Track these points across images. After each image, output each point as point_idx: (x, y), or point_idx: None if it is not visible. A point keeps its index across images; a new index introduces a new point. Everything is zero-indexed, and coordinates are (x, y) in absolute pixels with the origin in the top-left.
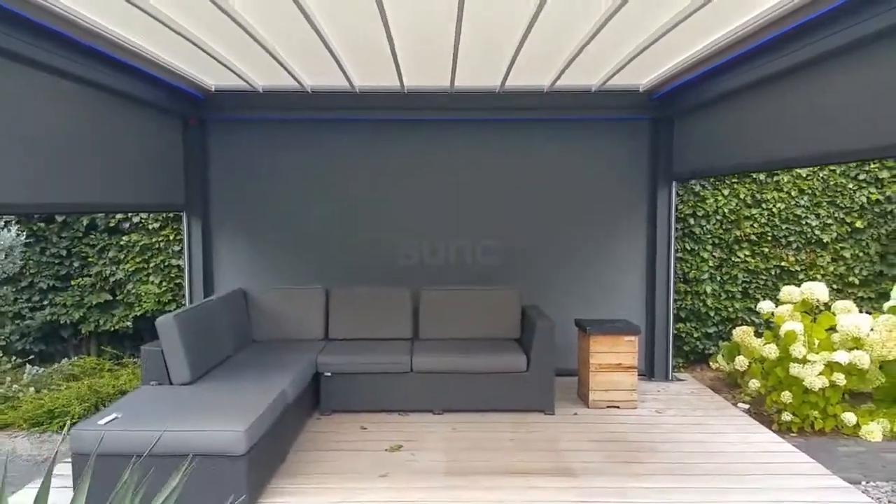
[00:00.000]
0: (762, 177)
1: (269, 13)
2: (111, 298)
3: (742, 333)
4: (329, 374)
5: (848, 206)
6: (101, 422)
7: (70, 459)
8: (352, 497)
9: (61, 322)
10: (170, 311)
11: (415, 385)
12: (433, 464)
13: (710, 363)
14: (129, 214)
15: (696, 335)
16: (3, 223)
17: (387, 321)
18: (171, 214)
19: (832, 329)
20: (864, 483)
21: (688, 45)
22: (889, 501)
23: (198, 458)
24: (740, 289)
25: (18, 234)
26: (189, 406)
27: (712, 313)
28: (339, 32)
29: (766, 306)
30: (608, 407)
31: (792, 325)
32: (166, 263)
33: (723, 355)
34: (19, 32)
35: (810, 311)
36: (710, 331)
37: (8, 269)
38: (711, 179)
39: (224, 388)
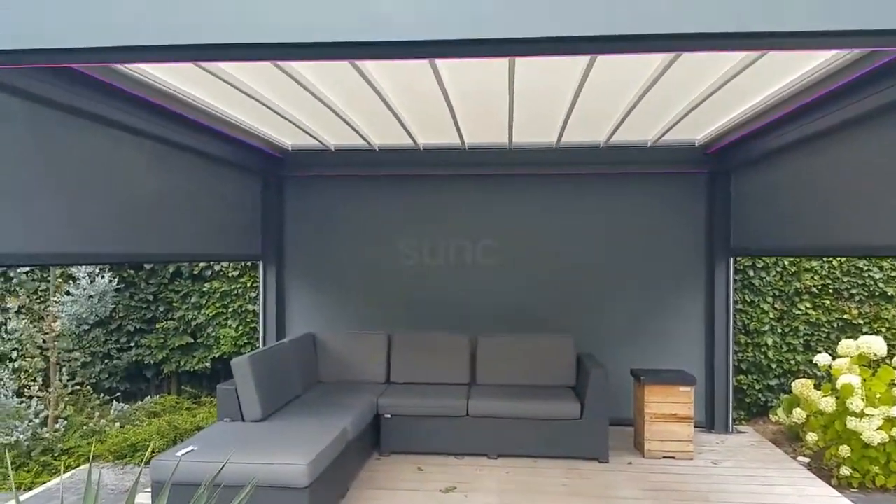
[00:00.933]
0: None
1: (341, 84)
2: (192, 341)
3: (801, 386)
4: (389, 416)
5: None
6: (178, 454)
7: (150, 489)
8: None
9: (146, 362)
10: (245, 353)
11: (470, 429)
12: None
13: (771, 416)
14: (212, 263)
15: (757, 387)
16: (98, 270)
17: (445, 366)
18: (249, 263)
19: (893, 384)
20: None
21: (737, 104)
22: None
23: (263, 489)
24: (802, 341)
25: (111, 282)
26: (258, 440)
27: (774, 365)
28: (403, 101)
29: (822, 359)
30: (664, 457)
31: (849, 377)
32: (243, 309)
33: (783, 408)
34: (123, 104)
35: (869, 364)
36: (772, 383)
37: (100, 313)
38: None
39: (291, 425)
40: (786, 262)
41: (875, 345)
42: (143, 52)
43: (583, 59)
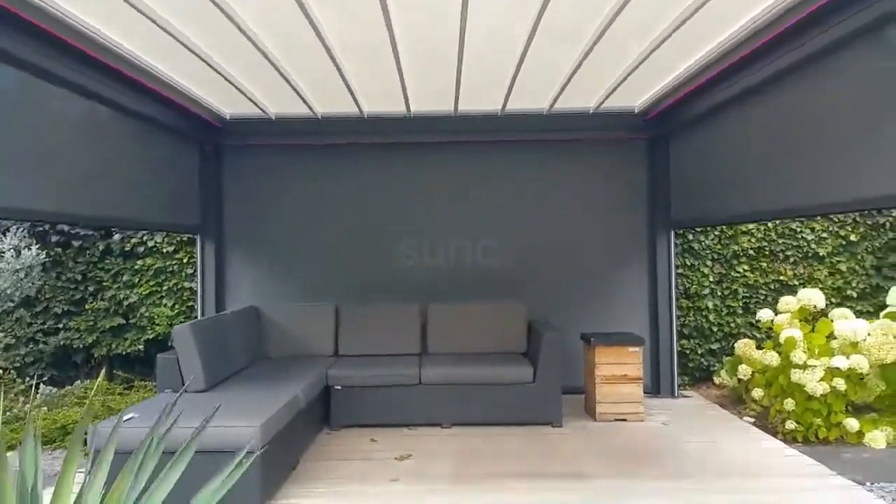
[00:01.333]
0: None
1: (285, 39)
2: (124, 322)
3: (744, 346)
4: (339, 387)
5: (841, 219)
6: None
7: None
8: (362, 500)
9: (74, 346)
10: None
11: (423, 398)
12: (442, 470)
13: (715, 379)
14: (144, 238)
15: (700, 352)
16: (23, 243)
17: (395, 337)
18: (185, 238)
19: (831, 337)
20: (868, 483)
21: (670, 68)
22: (894, 500)
23: (212, 454)
24: (741, 304)
25: (37, 255)
26: (204, 408)
27: (715, 329)
28: (352, 60)
29: (765, 315)
30: (616, 420)
31: (791, 331)
32: (179, 286)
33: (726, 370)
34: (55, 53)
35: (808, 319)
36: (714, 347)
37: (26, 290)
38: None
39: (238, 394)
40: (723, 225)
41: (815, 297)
42: None
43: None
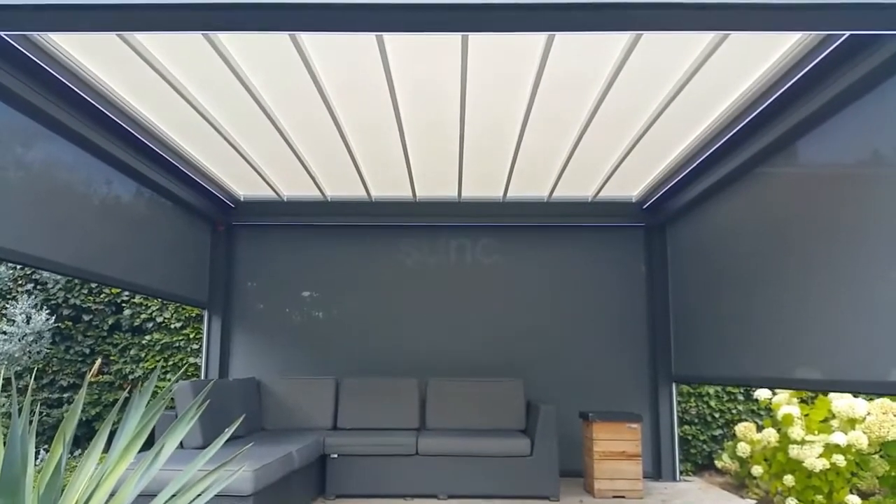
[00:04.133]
0: None
1: (305, 126)
2: (128, 397)
3: (744, 428)
4: (335, 455)
5: None
6: None
7: None
8: None
9: (80, 419)
10: None
11: (420, 468)
12: None
13: (717, 464)
14: (153, 314)
15: (702, 438)
16: (35, 307)
17: (394, 411)
18: (194, 314)
19: (829, 418)
20: None
21: (660, 158)
22: None
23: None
24: (742, 390)
25: (47, 320)
26: (196, 462)
27: (717, 415)
28: (363, 148)
29: (763, 394)
30: (614, 496)
31: (789, 408)
32: (185, 362)
33: (727, 452)
34: (66, 105)
35: (806, 399)
36: (716, 433)
37: (34, 356)
38: None
39: (235, 450)
40: None
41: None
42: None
43: (524, 98)
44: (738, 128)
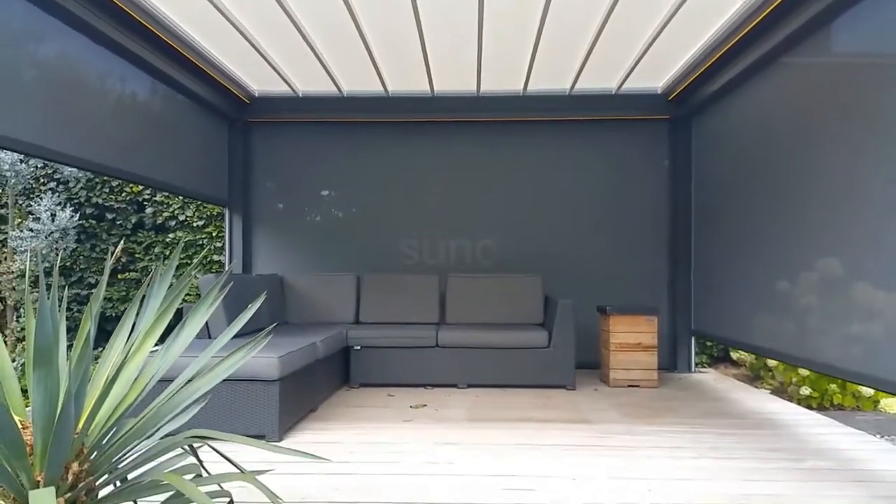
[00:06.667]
0: None
1: (318, 14)
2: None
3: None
4: (358, 347)
5: None
6: None
7: None
8: (376, 434)
9: (107, 315)
10: None
11: (440, 360)
12: (456, 414)
13: (732, 355)
14: (175, 213)
15: None
16: (59, 204)
17: (415, 306)
18: (215, 212)
19: None
20: (879, 436)
21: (688, 46)
22: None
23: (236, 382)
24: None
25: (72, 217)
26: (228, 346)
27: None
28: (378, 38)
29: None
30: (629, 386)
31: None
32: (208, 259)
33: None
34: (104, 14)
35: None
36: None
37: (61, 252)
38: None
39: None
40: None
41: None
42: None
43: None
44: (768, 9)
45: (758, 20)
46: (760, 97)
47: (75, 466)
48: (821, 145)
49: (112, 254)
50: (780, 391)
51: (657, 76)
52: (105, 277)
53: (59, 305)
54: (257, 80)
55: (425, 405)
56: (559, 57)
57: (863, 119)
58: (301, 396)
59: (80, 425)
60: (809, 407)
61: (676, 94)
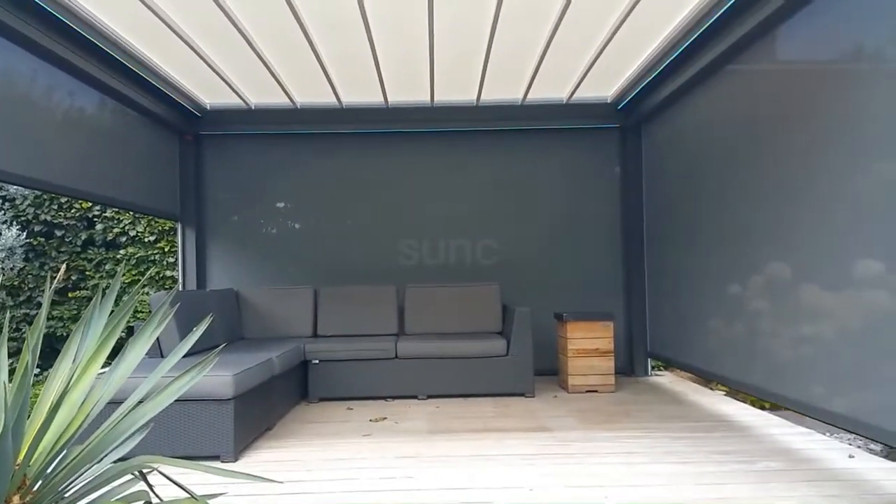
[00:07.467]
0: None
1: (268, 27)
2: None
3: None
4: (317, 361)
5: None
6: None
7: None
8: (334, 451)
9: (58, 335)
10: None
11: (399, 372)
12: (415, 426)
13: None
14: (126, 228)
15: None
16: (5, 222)
17: (374, 318)
18: (167, 227)
19: None
20: (828, 434)
21: (636, 55)
22: (855, 445)
23: (189, 402)
24: None
25: (18, 236)
26: (180, 365)
27: None
28: (330, 50)
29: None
30: (587, 391)
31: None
32: (161, 275)
33: None
34: (49, 30)
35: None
36: None
37: (7, 271)
38: None
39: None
40: None
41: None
42: None
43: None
44: (711, 20)
45: (702, 30)
46: (707, 105)
47: (16, 500)
48: (766, 150)
49: (54, 278)
50: (734, 393)
51: (607, 86)
52: (46, 304)
53: (0, 330)
54: (208, 93)
55: (385, 418)
56: (511, 68)
57: (804, 122)
58: (257, 414)
59: (22, 455)
60: (762, 408)
61: (626, 102)
